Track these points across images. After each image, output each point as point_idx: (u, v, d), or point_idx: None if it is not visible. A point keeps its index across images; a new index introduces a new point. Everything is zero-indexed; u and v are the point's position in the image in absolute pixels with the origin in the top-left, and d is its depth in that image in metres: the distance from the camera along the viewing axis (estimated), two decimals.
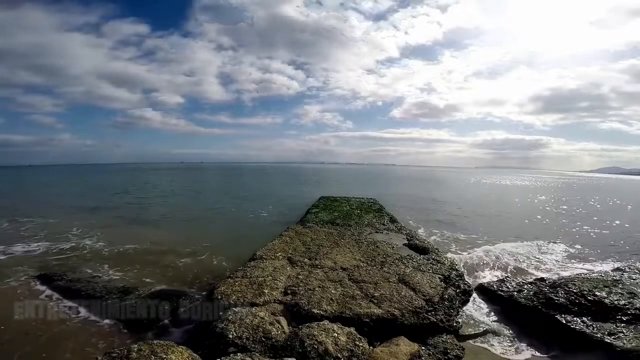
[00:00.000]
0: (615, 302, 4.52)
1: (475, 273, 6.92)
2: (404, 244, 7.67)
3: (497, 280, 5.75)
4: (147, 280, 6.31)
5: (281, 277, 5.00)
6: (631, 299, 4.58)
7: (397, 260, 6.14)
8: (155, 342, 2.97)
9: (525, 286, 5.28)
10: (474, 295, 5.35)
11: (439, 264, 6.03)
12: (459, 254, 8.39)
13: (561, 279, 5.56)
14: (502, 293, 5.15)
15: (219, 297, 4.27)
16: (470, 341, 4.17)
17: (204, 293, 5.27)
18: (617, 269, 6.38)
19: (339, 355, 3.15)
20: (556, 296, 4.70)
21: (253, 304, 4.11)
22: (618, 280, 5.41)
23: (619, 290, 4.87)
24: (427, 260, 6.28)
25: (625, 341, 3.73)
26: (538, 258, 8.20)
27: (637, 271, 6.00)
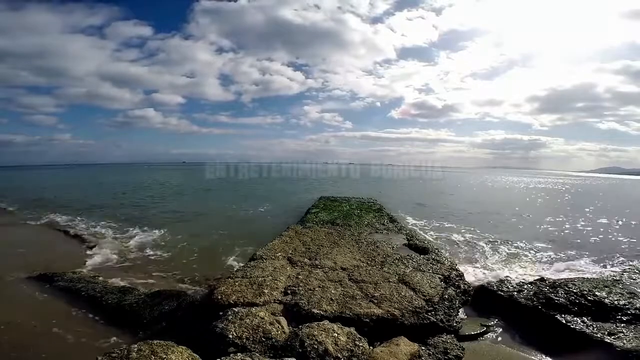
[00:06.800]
0: (615, 302, 4.52)
1: (475, 273, 6.91)
2: (404, 244, 7.67)
3: (497, 280, 5.74)
4: (147, 280, 6.32)
5: (281, 277, 5.00)
6: (631, 299, 4.58)
7: (397, 260, 6.14)
8: (155, 342, 2.96)
9: (525, 286, 5.27)
10: (474, 295, 5.35)
11: (439, 264, 6.03)
12: (458, 254, 8.39)
13: (561, 279, 5.56)
14: (502, 293, 5.15)
15: (219, 297, 4.27)
16: (470, 341, 4.17)
17: (204, 293, 5.27)
18: (617, 269, 6.38)
19: (339, 355, 3.15)
20: (556, 296, 4.69)
21: (253, 304, 4.11)
22: (618, 280, 5.41)
23: (619, 290, 4.87)
24: (427, 260, 6.28)
25: (625, 341, 3.73)
26: (537, 258, 8.20)
27: (637, 271, 6.01)
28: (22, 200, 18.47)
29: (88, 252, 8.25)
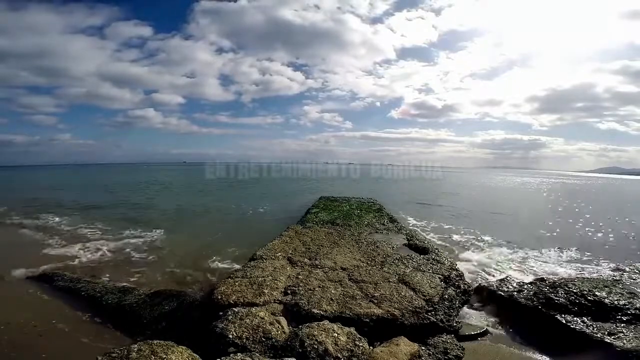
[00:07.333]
0: (615, 302, 4.52)
1: (475, 273, 6.92)
2: (404, 244, 7.67)
3: (496, 280, 5.75)
4: (147, 280, 6.31)
5: (281, 277, 5.00)
6: (631, 299, 4.58)
7: (397, 260, 6.14)
8: (155, 342, 2.96)
9: (525, 286, 5.27)
10: (474, 295, 5.35)
11: (438, 264, 6.03)
12: (459, 254, 8.39)
13: (561, 279, 5.56)
14: (502, 293, 5.15)
15: (219, 297, 4.27)
16: (470, 341, 4.17)
17: (204, 293, 5.27)
18: (617, 269, 6.39)
19: (339, 355, 3.15)
20: (556, 296, 4.69)
21: (253, 304, 4.12)
22: (618, 280, 5.41)
23: (619, 290, 4.87)
24: (427, 260, 6.28)
25: (625, 341, 3.73)
26: (538, 258, 8.20)
27: (637, 271, 6.01)
28: (18, 200, 18.30)
29: (67, 252, 8.13)
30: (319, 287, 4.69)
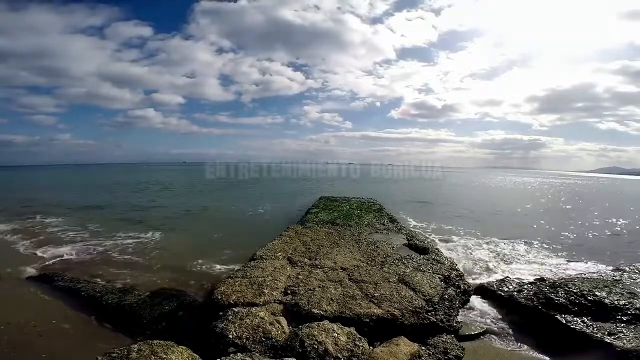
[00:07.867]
0: (615, 302, 4.53)
1: (475, 273, 6.92)
2: (404, 244, 7.66)
3: (497, 280, 5.75)
4: (147, 280, 6.31)
5: (281, 277, 5.00)
6: (631, 299, 4.59)
7: (397, 260, 6.14)
8: (155, 342, 2.96)
9: (525, 286, 5.28)
10: (474, 295, 5.35)
11: (438, 264, 6.03)
12: (458, 253, 8.39)
13: (561, 279, 5.56)
14: (502, 293, 5.15)
15: (219, 297, 4.27)
16: (470, 341, 4.17)
17: (204, 293, 5.27)
18: (617, 269, 6.39)
19: (339, 355, 3.15)
20: (556, 296, 4.70)
21: (253, 304, 4.12)
22: (618, 280, 5.41)
23: (619, 290, 4.87)
24: (427, 260, 6.27)
25: (625, 341, 3.73)
26: (538, 258, 8.20)
27: (637, 271, 6.00)
28: (17, 200, 18.11)
29: (65, 253, 8.07)
30: (319, 287, 4.69)
